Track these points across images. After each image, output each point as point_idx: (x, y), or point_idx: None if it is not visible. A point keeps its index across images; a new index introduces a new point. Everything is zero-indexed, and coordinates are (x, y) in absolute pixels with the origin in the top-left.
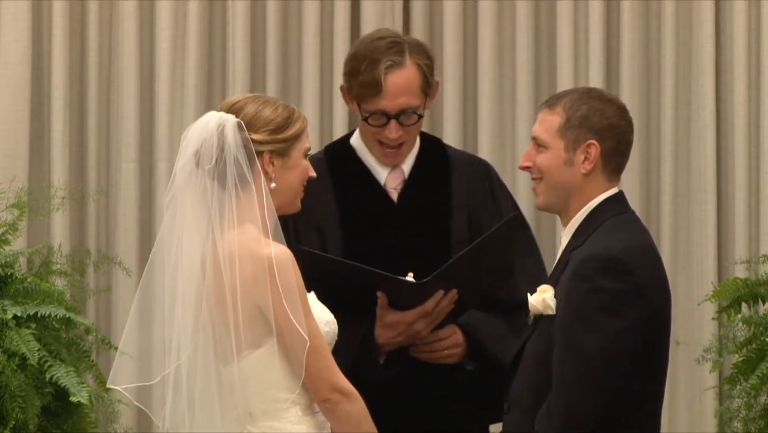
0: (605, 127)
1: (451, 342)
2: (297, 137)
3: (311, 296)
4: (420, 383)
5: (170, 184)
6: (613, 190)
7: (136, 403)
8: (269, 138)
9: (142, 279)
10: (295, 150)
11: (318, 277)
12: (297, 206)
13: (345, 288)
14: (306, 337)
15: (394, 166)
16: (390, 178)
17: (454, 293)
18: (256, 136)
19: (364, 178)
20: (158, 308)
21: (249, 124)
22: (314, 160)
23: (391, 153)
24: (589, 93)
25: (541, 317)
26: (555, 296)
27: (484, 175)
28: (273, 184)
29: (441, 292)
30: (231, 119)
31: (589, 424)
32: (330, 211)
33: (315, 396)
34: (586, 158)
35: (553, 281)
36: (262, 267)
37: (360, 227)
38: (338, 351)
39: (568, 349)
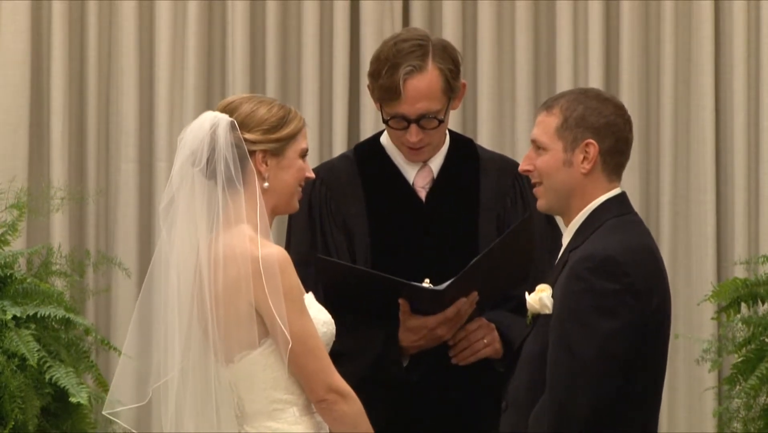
0: (603, 126)
1: (485, 328)
2: (292, 137)
3: (309, 297)
4: (444, 385)
5: (167, 187)
6: (615, 191)
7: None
8: (262, 138)
9: (144, 287)
10: (290, 150)
11: (339, 284)
12: (294, 206)
13: (366, 295)
14: (288, 338)
15: (423, 165)
16: (419, 177)
17: (474, 295)
18: (249, 136)
19: (393, 176)
20: (157, 314)
21: (243, 124)
22: (343, 159)
23: (414, 152)
24: (586, 93)
25: (538, 317)
26: (552, 296)
27: (513, 176)
28: (266, 184)
29: (462, 300)
30: (224, 119)
31: (580, 424)
32: (358, 209)
33: (311, 396)
34: (585, 158)
35: (552, 281)
36: (246, 268)
37: (387, 226)
38: (360, 351)
39: (561, 348)
